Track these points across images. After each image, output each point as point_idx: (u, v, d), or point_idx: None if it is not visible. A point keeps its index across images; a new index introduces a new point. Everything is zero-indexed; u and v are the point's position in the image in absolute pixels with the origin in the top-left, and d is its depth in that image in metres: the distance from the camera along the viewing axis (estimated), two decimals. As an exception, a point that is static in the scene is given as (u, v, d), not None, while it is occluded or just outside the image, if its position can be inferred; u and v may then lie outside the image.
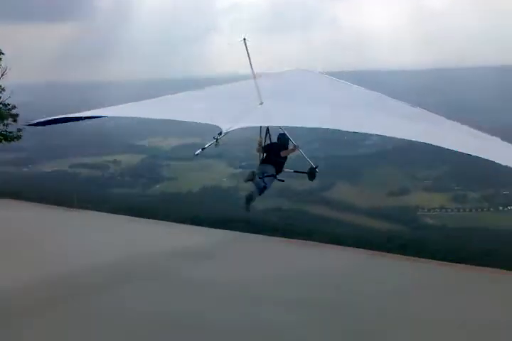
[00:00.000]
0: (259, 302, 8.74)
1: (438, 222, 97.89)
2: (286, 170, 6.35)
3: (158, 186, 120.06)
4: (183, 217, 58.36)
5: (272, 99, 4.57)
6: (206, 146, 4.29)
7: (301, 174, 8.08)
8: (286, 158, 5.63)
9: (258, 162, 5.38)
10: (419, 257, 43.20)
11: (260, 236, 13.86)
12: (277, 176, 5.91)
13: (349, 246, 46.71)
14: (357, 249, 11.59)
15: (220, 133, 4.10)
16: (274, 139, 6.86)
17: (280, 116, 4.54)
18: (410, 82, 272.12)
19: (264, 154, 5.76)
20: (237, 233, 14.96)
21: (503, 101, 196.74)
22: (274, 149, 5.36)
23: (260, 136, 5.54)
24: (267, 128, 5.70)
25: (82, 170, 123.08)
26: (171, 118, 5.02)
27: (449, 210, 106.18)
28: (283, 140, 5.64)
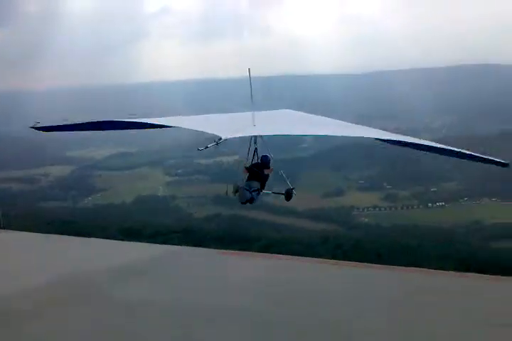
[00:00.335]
0: (202, 323, 8.42)
1: (372, 220, 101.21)
2: (264, 191, 7.40)
3: (90, 198, 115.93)
4: (117, 229, 56.72)
5: (262, 123, 6.13)
6: (209, 145, 5.12)
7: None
8: (268, 175, 6.82)
9: (244, 179, 6.76)
10: (355, 258, 44.08)
11: (199, 250, 13.24)
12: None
13: (292, 250, 47.21)
14: (302, 257, 11.13)
15: (220, 139, 4.94)
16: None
17: (268, 130, 6.23)
18: (344, 85, 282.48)
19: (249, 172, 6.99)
20: (176, 247, 14.22)
21: (430, 102, 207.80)
22: (259, 168, 6.56)
23: (246, 160, 6.81)
24: (255, 149, 6.93)
25: (10, 184, 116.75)
26: (188, 128, 6.39)
27: (382, 209, 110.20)
28: (265, 160, 6.88)
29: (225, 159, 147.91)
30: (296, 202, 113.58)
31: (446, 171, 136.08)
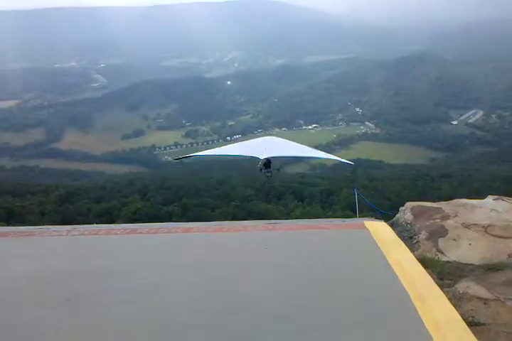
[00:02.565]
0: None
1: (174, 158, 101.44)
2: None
3: None
4: None
5: (269, 147, 8.69)
6: (258, 165, 8.26)
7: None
8: (270, 166, 8.89)
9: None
10: (165, 196, 43.23)
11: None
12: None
13: (95, 196, 43.90)
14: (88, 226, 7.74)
15: (259, 159, 8.00)
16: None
17: (276, 152, 8.60)
18: (137, 17, 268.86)
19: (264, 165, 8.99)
20: None
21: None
22: (267, 163, 8.68)
23: (262, 159, 8.72)
24: (268, 159, 8.79)
25: None
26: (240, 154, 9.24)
27: (184, 146, 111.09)
28: (268, 161, 8.70)
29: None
30: (94, 146, 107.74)
31: (240, 104, 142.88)
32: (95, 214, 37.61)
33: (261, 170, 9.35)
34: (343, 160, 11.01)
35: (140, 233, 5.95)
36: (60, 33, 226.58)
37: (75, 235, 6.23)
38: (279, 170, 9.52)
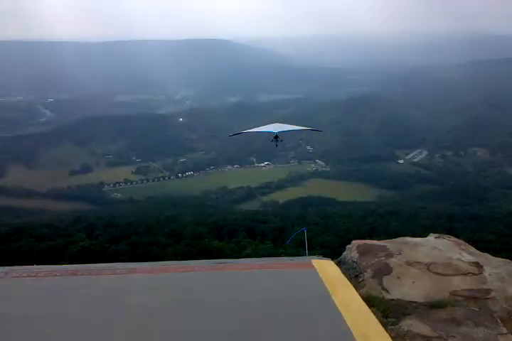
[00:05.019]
0: None
1: (124, 195, 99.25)
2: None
3: None
4: None
5: (278, 127, 12.02)
6: (273, 137, 11.20)
7: None
8: (278, 138, 11.81)
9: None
10: (112, 234, 42.00)
11: None
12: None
13: (40, 234, 41.86)
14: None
15: (273, 133, 11.39)
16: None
17: (281, 129, 11.64)
18: (88, 52, 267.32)
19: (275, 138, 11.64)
20: None
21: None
22: (277, 136, 11.62)
23: (275, 135, 11.73)
24: (276, 134, 11.74)
25: None
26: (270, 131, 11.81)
27: (134, 183, 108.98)
28: (277, 135, 11.68)
29: None
30: (39, 183, 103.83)
31: (192, 142, 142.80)
32: (39, 253, 35.90)
33: (272, 140, 12.32)
34: (313, 128, 14.54)
35: (82, 275, 5.70)
36: (7, 67, 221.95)
37: (13, 277, 5.93)
38: (282, 140, 12.27)
